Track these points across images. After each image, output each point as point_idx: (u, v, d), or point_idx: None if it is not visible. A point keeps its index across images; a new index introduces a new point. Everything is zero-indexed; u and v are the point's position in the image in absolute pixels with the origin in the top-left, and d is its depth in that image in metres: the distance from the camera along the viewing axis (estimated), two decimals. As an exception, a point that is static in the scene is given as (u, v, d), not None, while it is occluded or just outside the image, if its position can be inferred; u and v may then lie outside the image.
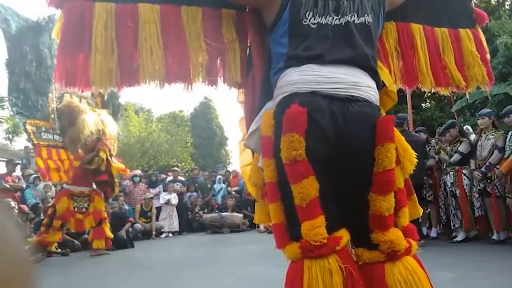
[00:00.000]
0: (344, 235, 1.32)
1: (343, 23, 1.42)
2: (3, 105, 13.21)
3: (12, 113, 14.18)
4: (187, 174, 12.73)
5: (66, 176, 6.00)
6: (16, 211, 6.45)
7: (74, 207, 6.10)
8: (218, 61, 1.77)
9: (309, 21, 1.42)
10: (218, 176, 11.47)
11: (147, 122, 21.13)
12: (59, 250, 6.49)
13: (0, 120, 13.19)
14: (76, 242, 6.91)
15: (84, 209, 6.21)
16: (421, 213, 1.68)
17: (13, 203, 6.39)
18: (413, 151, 1.50)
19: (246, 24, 1.72)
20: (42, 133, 5.67)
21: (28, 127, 5.48)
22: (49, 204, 6.58)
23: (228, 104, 56.99)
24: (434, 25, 2.00)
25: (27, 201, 7.76)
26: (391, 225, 1.35)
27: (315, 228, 1.26)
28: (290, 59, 1.44)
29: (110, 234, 6.46)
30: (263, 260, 5.17)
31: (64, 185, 6.34)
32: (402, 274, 1.32)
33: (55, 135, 5.87)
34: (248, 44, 1.77)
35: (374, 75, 1.47)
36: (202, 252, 5.83)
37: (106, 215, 6.58)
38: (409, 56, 1.93)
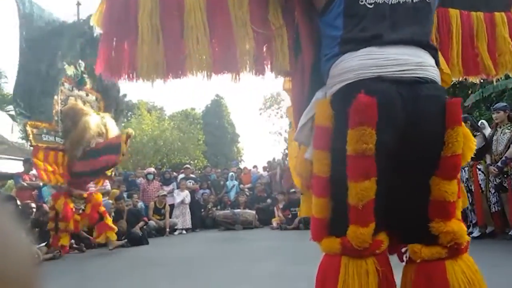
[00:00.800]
0: (384, 239, 1.29)
1: (401, 1, 1.33)
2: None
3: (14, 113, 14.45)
4: (199, 172, 12.79)
5: (62, 178, 6.00)
6: (34, 209, 6.57)
7: (73, 208, 6.16)
8: (265, 49, 1.69)
9: (366, 1, 1.33)
10: (230, 173, 11.50)
11: (160, 121, 21.29)
12: (75, 246, 6.60)
13: (16, 120, 13.42)
14: (92, 238, 7.02)
15: (80, 211, 6.29)
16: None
17: (33, 204, 6.52)
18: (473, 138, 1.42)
19: (294, 8, 1.62)
20: (43, 135, 5.70)
21: (28, 128, 5.51)
22: (49, 206, 6.59)
23: (239, 101, 57.01)
24: (470, 9, 1.91)
25: (44, 199, 7.92)
26: (454, 214, 1.28)
27: (363, 235, 1.22)
28: (346, 43, 1.34)
29: (113, 226, 6.53)
30: (277, 256, 5.18)
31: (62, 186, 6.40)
32: (465, 273, 1.25)
33: (56, 137, 5.89)
34: (295, 30, 1.67)
35: (435, 54, 1.38)
36: (216, 249, 5.87)
37: (104, 209, 6.64)
38: (445, 44, 1.85)
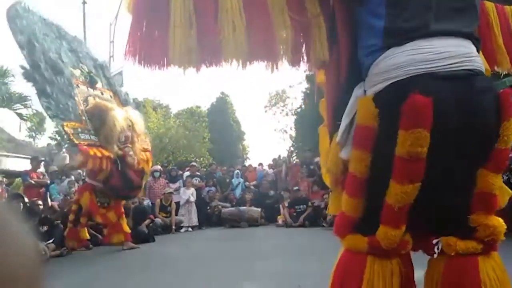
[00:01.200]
0: (410, 240, 1.29)
1: None
2: (26, 104, 13.56)
3: (33, 111, 14.54)
4: (205, 169, 12.83)
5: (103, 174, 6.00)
6: (41, 207, 6.63)
7: (97, 202, 6.20)
8: (302, 38, 1.59)
9: None
10: (236, 171, 11.52)
11: (165, 119, 21.36)
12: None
13: (24, 118, 13.55)
14: (99, 236, 7.08)
15: (106, 204, 6.30)
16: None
17: (40, 202, 6.60)
18: None
19: None
20: (79, 134, 5.71)
21: (67, 129, 5.52)
22: (72, 200, 6.74)
23: (244, 99, 56.99)
24: (504, 3, 1.89)
25: (51, 197, 8.00)
26: (495, 208, 1.27)
27: (394, 237, 1.22)
28: (390, 36, 1.29)
29: (127, 229, 6.53)
30: (282, 254, 5.19)
31: (87, 180, 6.46)
32: (495, 270, 1.24)
33: (91, 136, 5.89)
34: (331, 20, 1.58)
35: (478, 45, 1.34)
36: (222, 246, 5.90)
37: (123, 210, 6.68)
38: (487, 35, 1.79)
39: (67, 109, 5.64)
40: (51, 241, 5.88)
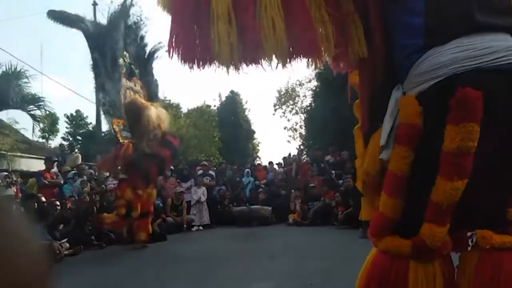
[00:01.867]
0: (450, 241, 1.28)
1: None
2: (40, 105, 13.76)
3: (46, 112, 14.74)
4: (215, 168, 12.88)
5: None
6: (58, 207, 6.74)
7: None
8: (340, 35, 1.54)
9: None
10: (246, 170, 11.53)
11: (176, 118, 21.48)
12: (95, 242, 6.75)
13: (37, 120, 13.74)
14: (112, 235, 7.16)
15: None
16: None
17: (57, 202, 6.71)
18: None
19: None
20: (122, 131, 5.76)
21: (115, 126, 5.61)
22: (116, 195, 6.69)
23: (254, 97, 57.01)
24: None
25: (65, 196, 8.11)
26: None
27: (440, 234, 1.20)
28: (431, 35, 1.26)
29: (150, 229, 6.57)
30: (294, 252, 5.19)
31: (121, 176, 6.46)
32: None
33: (129, 133, 5.94)
34: (365, 19, 1.55)
35: None
36: (233, 245, 5.92)
37: (152, 210, 6.70)
38: None
39: (115, 105, 5.69)
40: (65, 240, 5.97)
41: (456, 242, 1.34)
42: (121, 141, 5.61)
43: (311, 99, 21.48)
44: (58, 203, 6.80)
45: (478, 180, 1.23)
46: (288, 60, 1.45)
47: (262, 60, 1.45)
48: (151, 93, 7.02)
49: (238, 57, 1.43)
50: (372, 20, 1.45)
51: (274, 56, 1.42)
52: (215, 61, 1.44)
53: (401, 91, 1.35)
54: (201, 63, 1.46)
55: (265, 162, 12.83)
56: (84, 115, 24.60)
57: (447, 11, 1.26)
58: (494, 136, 1.20)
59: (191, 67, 1.48)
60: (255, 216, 9.09)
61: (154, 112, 6.32)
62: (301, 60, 1.49)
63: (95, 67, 5.50)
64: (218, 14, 1.38)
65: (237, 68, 1.46)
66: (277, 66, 1.45)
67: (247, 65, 1.48)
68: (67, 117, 24.28)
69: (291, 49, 1.44)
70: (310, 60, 1.50)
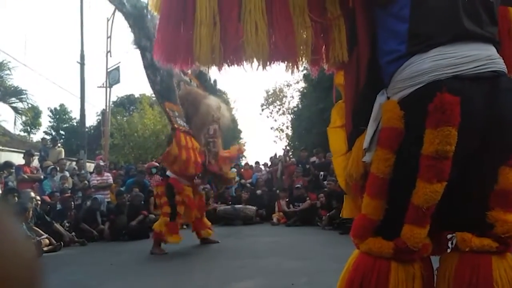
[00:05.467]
0: (430, 244, 1.30)
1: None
2: (22, 98, 13.47)
3: (29, 105, 14.41)
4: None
5: (195, 168, 5.22)
6: (37, 201, 6.60)
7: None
8: (321, 39, 1.62)
9: None
10: (232, 169, 11.49)
11: (162, 115, 21.30)
12: (76, 239, 6.63)
13: (19, 112, 13.46)
14: (94, 232, 7.06)
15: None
16: None
17: (32, 194, 6.54)
18: None
19: None
20: (177, 118, 5.09)
21: (168, 109, 4.96)
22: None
23: (241, 97, 56.93)
24: None
25: (45, 192, 7.95)
26: None
27: (420, 235, 1.23)
28: (414, 42, 1.29)
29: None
30: (276, 252, 5.19)
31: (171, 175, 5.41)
32: (507, 272, 1.25)
33: (185, 122, 5.28)
34: (351, 22, 1.59)
35: (499, 48, 1.37)
36: (216, 244, 5.88)
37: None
38: (506, 44, 1.75)
39: (169, 88, 5.13)
40: (44, 236, 5.85)
41: (437, 244, 1.37)
42: (175, 126, 4.90)
43: (298, 100, 21.59)
44: (38, 197, 6.66)
45: (458, 184, 1.27)
46: (268, 62, 1.53)
47: (244, 61, 1.53)
48: (209, 91, 6.35)
49: (220, 58, 1.52)
50: (358, 23, 1.49)
51: (255, 58, 1.50)
52: (196, 62, 1.53)
53: (385, 96, 1.37)
54: (183, 63, 1.56)
55: (251, 162, 12.81)
56: (69, 110, 24.19)
57: (431, 19, 1.29)
58: (471, 141, 1.24)
59: (174, 67, 1.60)
60: (239, 215, 9.07)
61: (215, 102, 5.71)
62: (280, 63, 1.57)
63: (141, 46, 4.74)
64: (202, 19, 1.49)
65: (219, 68, 1.55)
66: (257, 68, 1.52)
67: (229, 66, 1.57)
68: (51, 110, 23.85)
69: (272, 52, 1.51)
70: (288, 64, 1.58)
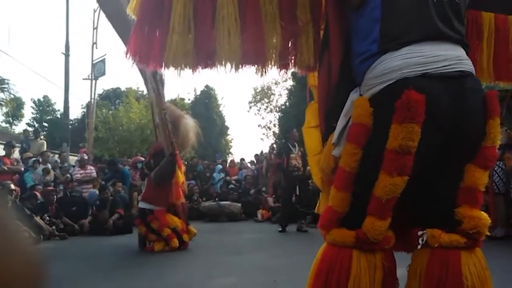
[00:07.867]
0: (393, 236, 1.34)
1: (435, 0, 1.34)
2: (4, 88, 13.15)
3: (11, 96, 14.06)
4: (186, 163, 12.74)
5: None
6: (16, 193, 6.45)
7: None
8: (290, 44, 1.72)
9: None
10: (218, 166, 11.46)
11: (148, 109, 21.09)
12: (57, 233, 6.51)
13: (0, 103, 13.14)
14: (76, 226, 6.95)
15: None
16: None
17: (12, 186, 6.40)
18: None
19: (321, 3, 1.66)
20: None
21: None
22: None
23: (229, 93, 56.73)
24: (508, 13, 1.90)
25: (26, 185, 7.77)
26: (481, 203, 1.33)
27: (380, 227, 1.27)
28: (385, 41, 1.33)
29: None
30: (260, 248, 5.20)
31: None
32: (476, 267, 1.28)
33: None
34: (322, 26, 1.69)
35: (467, 51, 1.41)
36: (199, 239, 5.84)
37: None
38: (474, 47, 1.83)
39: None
40: (23, 229, 5.72)
41: (408, 241, 1.41)
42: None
43: (286, 98, 21.62)
44: (16, 188, 6.50)
45: (426, 181, 1.33)
46: (240, 66, 1.66)
47: (217, 65, 1.65)
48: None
49: (194, 61, 1.64)
50: (330, 28, 1.56)
51: (227, 61, 1.63)
52: (167, 66, 1.64)
53: (358, 93, 1.42)
54: (157, 64, 1.66)
55: (237, 159, 12.79)
56: (52, 101, 23.75)
57: (402, 19, 1.34)
58: (435, 138, 1.28)
59: (147, 68, 1.71)
60: (224, 212, 9.05)
61: (191, 123, 5.66)
62: (250, 67, 1.70)
63: None
64: (174, 25, 1.59)
65: (193, 71, 1.67)
66: (230, 71, 1.65)
67: (202, 69, 1.68)
68: (34, 102, 23.37)
69: (243, 56, 1.64)
70: (258, 67, 1.71)
